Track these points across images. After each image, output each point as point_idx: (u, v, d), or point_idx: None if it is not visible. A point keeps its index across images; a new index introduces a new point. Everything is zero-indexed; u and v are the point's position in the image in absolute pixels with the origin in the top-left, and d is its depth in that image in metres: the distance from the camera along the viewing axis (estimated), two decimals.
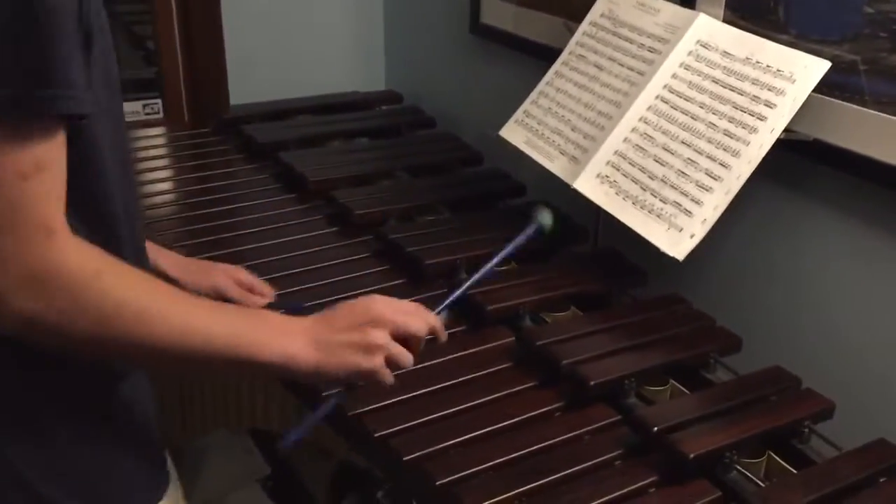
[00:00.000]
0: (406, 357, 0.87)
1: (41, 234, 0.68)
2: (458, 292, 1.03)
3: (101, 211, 0.79)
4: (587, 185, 1.33)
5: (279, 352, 0.79)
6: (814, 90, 1.17)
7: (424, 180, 1.69)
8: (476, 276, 1.06)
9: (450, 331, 1.21)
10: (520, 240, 1.11)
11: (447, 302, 1.00)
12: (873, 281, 1.19)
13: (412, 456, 0.98)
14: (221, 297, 1.17)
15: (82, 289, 0.70)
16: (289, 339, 0.80)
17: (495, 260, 1.07)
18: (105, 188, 0.79)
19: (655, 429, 0.98)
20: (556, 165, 1.40)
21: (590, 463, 0.98)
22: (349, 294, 1.29)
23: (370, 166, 1.73)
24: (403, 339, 0.86)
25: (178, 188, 1.67)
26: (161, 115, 2.02)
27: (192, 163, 1.77)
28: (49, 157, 0.68)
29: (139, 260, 0.86)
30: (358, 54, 2.26)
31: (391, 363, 0.86)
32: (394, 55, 2.26)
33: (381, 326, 0.85)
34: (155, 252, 1.08)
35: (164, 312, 0.74)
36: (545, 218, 1.14)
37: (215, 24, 2.01)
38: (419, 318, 0.89)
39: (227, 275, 1.19)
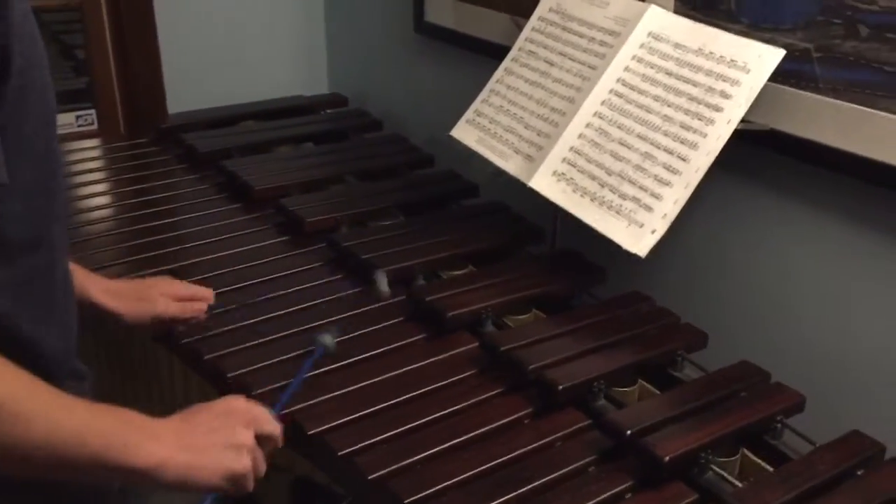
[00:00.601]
0: (262, 464, 0.85)
1: None
2: (285, 396, 0.99)
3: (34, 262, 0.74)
4: (543, 183, 1.30)
5: (145, 455, 0.75)
6: (768, 79, 1.16)
7: (375, 184, 1.64)
8: (295, 383, 1.02)
9: (410, 339, 1.19)
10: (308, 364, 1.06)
11: (281, 403, 0.97)
12: (832, 270, 1.19)
13: (378, 474, 0.93)
14: (165, 322, 1.12)
15: None
16: (157, 444, 0.76)
17: (303, 373, 1.03)
18: (43, 239, 0.75)
19: (628, 432, 0.96)
20: (510, 164, 1.37)
21: (564, 471, 0.94)
22: (305, 305, 1.25)
23: (318, 172, 1.68)
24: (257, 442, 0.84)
25: (115, 202, 1.59)
26: (95, 126, 1.94)
27: (130, 175, 1.69)
28: None
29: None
30: (299, 57, 2.20)
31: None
32: (336, 57, 2.21)
33: (247, 426, 0.83)
34: (83, 279, 1.01)
35: (40, 414, 0.70)
36: (327, 339, 1.09)
37: (149, 29, 1.93)
38: (272, 421, 0.87)
39: (164, 294, 1.13)
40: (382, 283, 1.22)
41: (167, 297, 1.12)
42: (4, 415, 0.68)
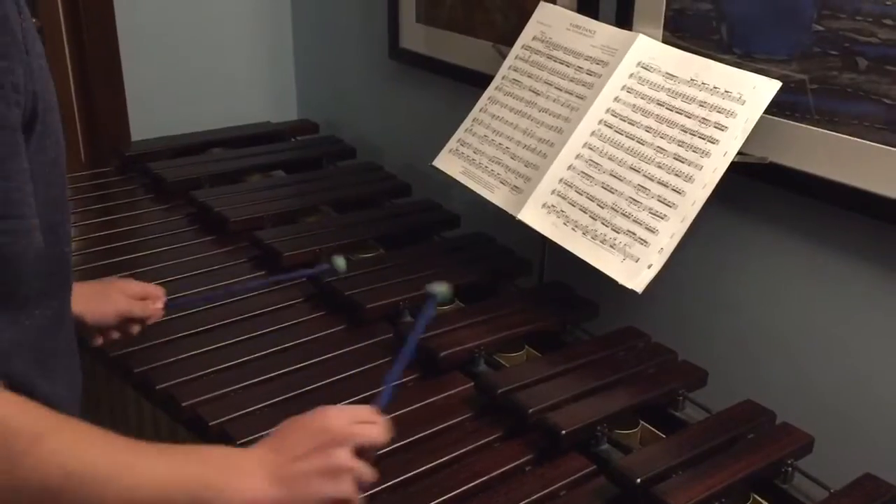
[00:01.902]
0: (368, 473, 0.77)
1: None
2: (390, 385, 0.92)
3: (51, 309, 0.70)
4: (532, 215, 1.26)
5: (236, 497, 0.69)
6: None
7: (352, 215, 1.59)
8: (399, 364, 0.95)
9: (401, 380, 1.14)
10: (425, 316, 1.01)
11: (386, 396, 0.89)
12: (830, 303, 1.17)
13: None
14: (126, 319, 1.05)
15: (22, 457, 0.60)
16: (245, 480, 0.70)
17: (412, 343, 0.97)
18: (56, 285, 0.71)
19: (638, 480, 0.92)
20: (497, 196, 1.33)
21: None
22: (287, 345, 1.19)
23: (293, 202, 1.62)
24: (357, 450, 0.77)
25: (78, 236, 1.51)
26: None
27: (92, 206, 1.61)
28: None
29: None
30: (266, 82, 2.14)
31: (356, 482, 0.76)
32: (306, 82, 2.16)
33: (343, 444, 0.75)
34: None
35: (115, 476, 0.64)
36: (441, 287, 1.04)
37: (112, 55, 1.86)
38: (376, 425, 0.79)
39: (124, 293, 1.06)
40: (339, 263, 1.17)
41: (126, 295, 1.06)
42: (74, 484, 0.62)
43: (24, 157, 0.63)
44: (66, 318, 0.78)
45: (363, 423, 0.78)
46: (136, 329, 1.07)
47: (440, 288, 1.01)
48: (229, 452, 0.74)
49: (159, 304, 1.09)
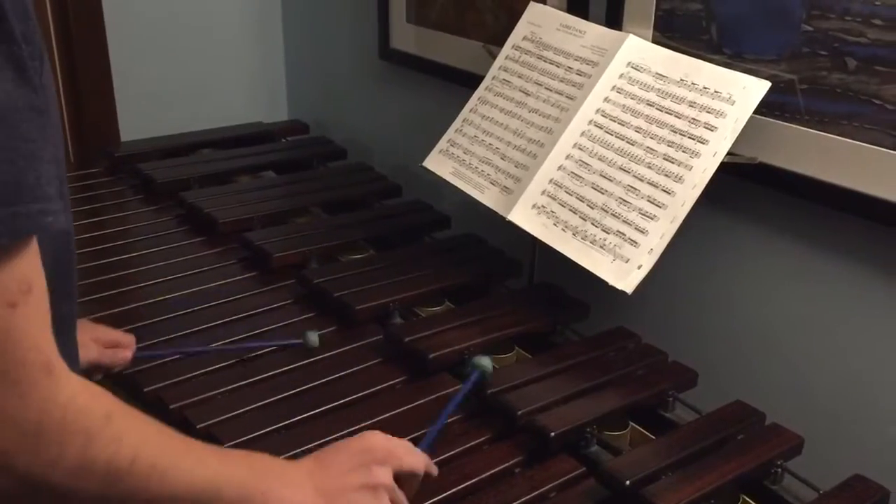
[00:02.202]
0: (404, 501, 0.81)
1: (40, 374, 0.57)
2: (435, 429, 0.98)
3: (62, 312, 0.67)
4: (522, 216, 1.26)
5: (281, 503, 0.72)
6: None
7: (343, 216, 1.58)
8: (447, 411, 1.02)
9: (390, 382, 1.13)
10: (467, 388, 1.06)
11: (429, 440, 0.96)
12: (819, 303, 1.17)
13: None
14: (97, 367, 1.05)
15: (94, 436, 0.59)
16: (293, 490, 0.73)
17: (459, 397, 1.04)
18: (71, 286, 0.70)
19: (627, 482, 0.91)
20: (487, 197, 1.33)
21: None
22: (272, 345, 1.18)
23: (283, 203, 1.61)
24: (398, 478, 0.81)
25: None
26: None
27: (81, 207, 1.60)
28: (34, 275, 0.57)
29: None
30: (257, 82, 2.13)
31: None
32: (296, 83, 2.15)
33: (385, 464, 0.80)
34: None
35: (175, 464, 0.65)
36: (485, 362, 1.08)
37: (101, 54, 1.85)
38: (417, 454, 0.85)
39: (97, 342, 1.06)
40: (313, 339, 1.17)
41: (98, 344, 1.05)
42: (140, 467, 0.62)
43: (52, 144, 0.62)
44: (76, 321, 0.77)
45: (407, 450, 0.83)
46: (98, 376, 1.06)
47: (485, 362, 1.07)
48: (279, 462, 0.77)
49: (128, 353, 1.08)
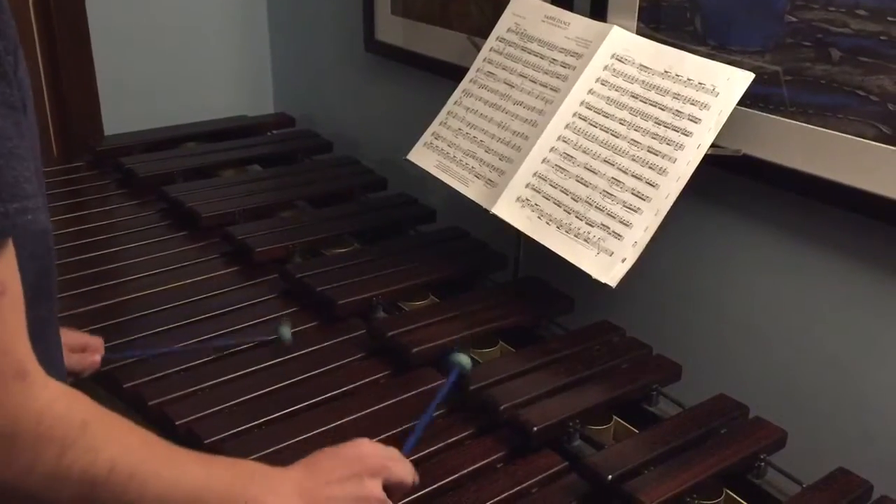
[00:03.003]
0: None
1: (12, 379, 0.55)
2: (418, 430, 0.97)
3: (41, 313, 0.66)
4: (507, 209, 1.25)
5: None
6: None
7: (327, 210, 1.57)
8: (429, 411, 1.01)
9: (373, 377, 1.12)
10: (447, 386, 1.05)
11: (412, 442, 0.95)
12: (803, 295, 1.16)
13: None
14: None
15: (69, 445, 0.58)
16: (278, 498, 0.72)
17: (434, 404, 1.02)
18: (50, 286, 0.68)
19: (609, 477, 0.91)
20: (471, 190, 1.32)
21: None
22: (254, 341, 1.17)
23: (267, 197, 1.60)
24: (385, 489, 0.80)
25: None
26: None
27: (64, 202, 1.59)
28: (7, 276, 0.56)
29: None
30: (242, 75, 2.12)
31: None
32: (282, 76, 2.14)
33: (375, 475, 0.78)
34: None
35: (157, 473, 0.63)
36: (463, 359, 1.08)
37: (84, 47, 1.83)
38: (405, 464, 0.83)
39: (67, 346, 1.02)
40: (286, 332, 1.15)
41: (67, 348, 1.02)
42: (118, 477, 0.61)
43: (28, 140, 0.60)
44: (55, 321, 0.75)
45: (394, 460, 0.81)
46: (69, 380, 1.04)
47: (462, 360, 1.06)
48: (266, 469, 0.75)
49: (97, 357, 1.06)
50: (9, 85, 0.56)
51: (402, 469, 0.82)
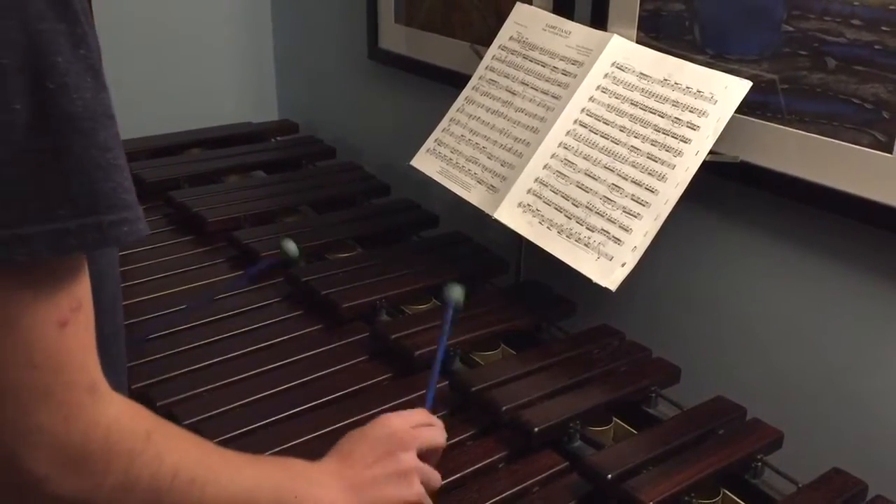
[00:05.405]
0: (435, 475, 0.82)
1: (85, 394, 0.55)
2: (432, 384, 0.98)
3: (108, 327, 0.67)
4: (508, 214, 1.27)
5: None
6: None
7: (331, 215, 1.59)
8: (436, 366, 1.00)
9: (374, 380, 1.14)
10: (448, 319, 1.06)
11: (431, 397, 0.96)
12: (800, 301, 1.18)
13: None
14: None
15: (136, 456, 0.59)
16: (323, 490, 0.73)
17: (444, 340, 1.03)
18: (117, 298, 0.70)
19: (609, 476, 0.92)
20: (473, 195, 1.34)
21: None
22: (264, 345, 1.19)
23: (272, 202, 1.62)
24: (421, 454, 0.82)
25: None
26: None
27: None
28: (83, 291, 0.55)
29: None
30: (247, 82, 2.14)
31: (423, 484, 0.80)
32: (286, 83, 2.16)
33: (408, 448, 0.80)
34: None
35: (215, 478, 0.65)
36: (456, 293, 1.09)
37: None
38: (436, 427, 0.85)
39: None
40: (290, 246, 1.17)
41: None
42: (181, 483, 0.62)
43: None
44: (113, 348, 0.74)
45: (423, 425, 0.83)
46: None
47: (455, 294, 1.06)
48: (306, 464, 0.76)
49: None
50: (107, 92, 0.55)
51: (432, 434, 0.83)
